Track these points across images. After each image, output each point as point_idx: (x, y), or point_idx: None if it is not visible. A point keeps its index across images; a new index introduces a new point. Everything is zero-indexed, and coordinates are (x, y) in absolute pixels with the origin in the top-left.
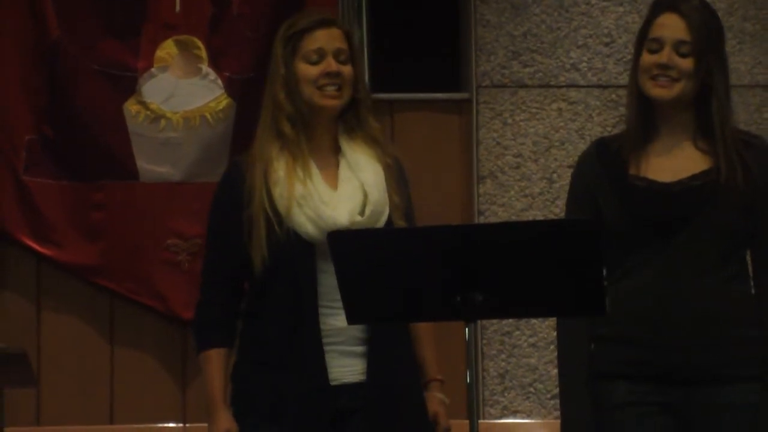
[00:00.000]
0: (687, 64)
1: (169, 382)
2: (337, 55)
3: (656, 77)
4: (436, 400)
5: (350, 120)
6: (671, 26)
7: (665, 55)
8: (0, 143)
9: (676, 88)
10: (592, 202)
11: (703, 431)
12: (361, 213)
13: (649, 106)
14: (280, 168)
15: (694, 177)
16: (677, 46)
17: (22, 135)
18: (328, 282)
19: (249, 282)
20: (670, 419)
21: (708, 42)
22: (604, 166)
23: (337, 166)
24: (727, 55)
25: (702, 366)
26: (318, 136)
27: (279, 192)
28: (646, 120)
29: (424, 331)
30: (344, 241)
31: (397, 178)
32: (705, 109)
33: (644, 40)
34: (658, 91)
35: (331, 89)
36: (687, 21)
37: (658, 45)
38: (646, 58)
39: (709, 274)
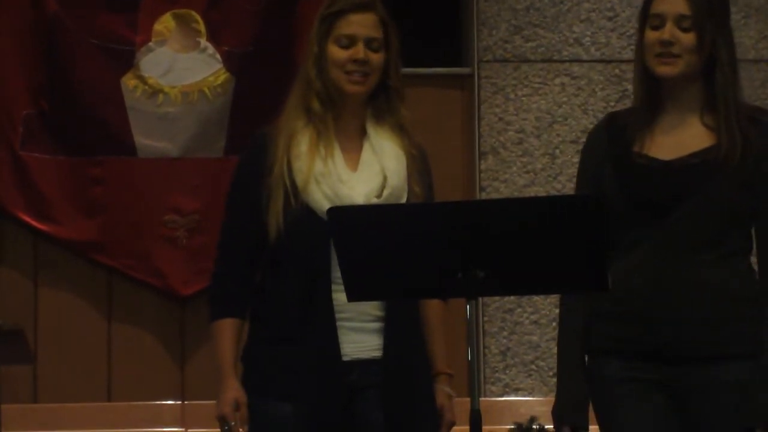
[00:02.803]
0: (689, 38)
1: (168, 359)
2: (368, 42)
3: (660, 54)
4: (443, 393)
5: (380, 106)
6: (671, 1)
7: (667, 31)
8: None
9: (681, 64)
10: (596, 177)
11: (696, 409)
12: (378, 196)
13: (655, 82)
14: (303, 142)
15: (693, 155)
16: (678, 20)
17: (20, 110)
18: None
19: (263, 256)
20: (664, 397)
21: (709, 14)
22: (611, 142)
23: (361, 149)
24: (732, 27)
25: (694, 343)
26: (345, 118)
27: (299, 166)
28: (653, 97)
29: (435, 323)
30: (344, 217)
31: (420, 169)
32: (711, 82)
33: (647, 16)
34: (663, 68)
35: (356, 76)
36: None
37: (660, 21)
38: (650, 35)
39: (704, 252)
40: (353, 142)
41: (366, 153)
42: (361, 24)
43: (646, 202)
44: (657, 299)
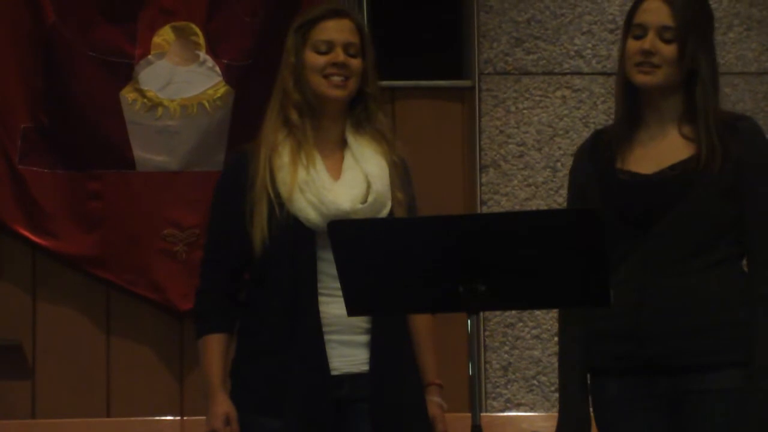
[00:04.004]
0: (670, 50)
1: (167, 374)
2: (346, 47)
3: (641, 64)
4: (434, 404)
5: (359, 114)
6: (655, 11)
7: (648, 41)
8: None
9: (660, 74)
10: (584, 194)
11: (691, 419)
12: (363, 201)
13: (635, 93)
14: (284, 154)
15: (672, 167)
16: (661, 31)
17: (18, 123)
18: (327, 270)
19: (249, 270)
20: (661, 412)
21: (692, 27)
22: (595, 159)
23: (341, 160)
24: (714, 40)
25: (685, 353)
26: (324, 128)
27: (282, 177)
28: (633, 108)
29: (424, 334)
30: (345, 231)
31: (402, 176)
32: (691, 94)
33: (630, 25)
34: (642, 78)
35: (336, 79)
36: (670, 6)
37: (642, 31)
38: (631, 45)
39: (689, 262)
40: (334, 153)
41: (348, 161)
42: (337, 29)
43: (630, 217)
44: (646, 312)
